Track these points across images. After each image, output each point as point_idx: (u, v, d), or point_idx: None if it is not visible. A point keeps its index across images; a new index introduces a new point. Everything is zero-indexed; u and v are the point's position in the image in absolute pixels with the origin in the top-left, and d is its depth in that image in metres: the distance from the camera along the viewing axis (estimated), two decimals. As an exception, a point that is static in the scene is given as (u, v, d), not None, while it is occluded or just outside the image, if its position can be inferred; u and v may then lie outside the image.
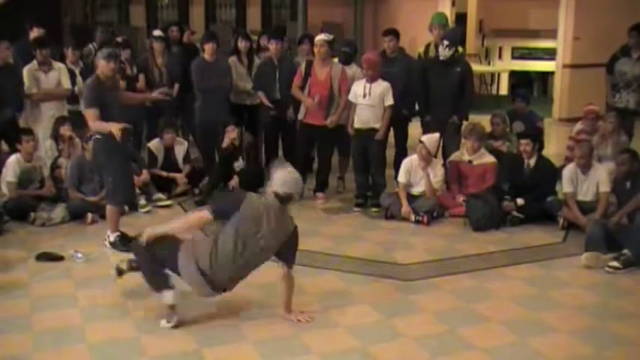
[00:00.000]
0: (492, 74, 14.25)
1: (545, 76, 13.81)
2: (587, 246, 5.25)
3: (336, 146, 7.05)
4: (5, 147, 6.88)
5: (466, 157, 6.52)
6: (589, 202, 5.90)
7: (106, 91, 5.20)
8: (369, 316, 4.29)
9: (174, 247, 3.99)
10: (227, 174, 6.92)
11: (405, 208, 6.17)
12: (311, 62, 6.72)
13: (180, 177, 7.01)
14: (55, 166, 6.49)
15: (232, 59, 7.47)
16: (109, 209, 5.48)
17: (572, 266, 5.15)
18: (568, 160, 6.68)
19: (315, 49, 6.65)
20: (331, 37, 6.73)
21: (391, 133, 6.88)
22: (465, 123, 6.78)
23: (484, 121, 6.95)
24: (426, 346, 3.90)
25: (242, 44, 7.49)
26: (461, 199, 6.36)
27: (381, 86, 6.32)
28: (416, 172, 6.32)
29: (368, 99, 6.32)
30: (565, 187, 5.99)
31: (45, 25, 7.60)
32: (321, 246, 5.52)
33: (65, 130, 6.52)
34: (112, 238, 5.41)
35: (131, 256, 4.34)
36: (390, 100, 6.34)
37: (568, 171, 5.99)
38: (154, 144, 7.07)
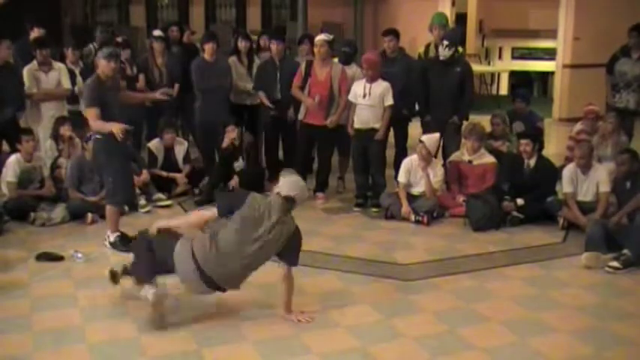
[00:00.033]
0: (492, 74, 14.26)
1: (545, 76, 13.82)
2: (587, 246, 5.25)
3: (336, 146, 7.05)
4: (6, 147, 6.87)
5: (466, 157, 6.52)
6: (589, 202, 5.90)
7: (106, 91, 5.20)
8: (369, 316, 4.29)
9: (172, 239, 4.08)
10: (227, 174, 6.92)
11: (405, 208, 6.17)
12: (311, 62, 6.72)
13: (180, 177, 7.01)
14: (55, 166, 6.49)
15: (232, 59, 7.47)
16: (109, 209, 5.48)
17: (572, 266, 5.15)
18: (568, 160, 6.68)
19: (315, 49, 6.65)
20: (331, 37, 6.74)
21: (391, 133, 6.89)
22: (465, 123, 6.78)
23: (484, 121, 6.95)
24: (426, 346, 3.90)
25: (242, 44, 7.49)
26: (461, 199, 6.37)
27: (381, 86, 6.32)
28: (416, 172, 6.33)
29: (368, 99, 6.32)
30: (565, 187, 5.99)
31: (45, 25, 7.61)
32: (321, 246, 5.52)
33: (65, 130, 6.51)
34: (112, 238, 5.41)
35: (128, 260, 4.34)
36: (389, 100, 6.34)
37: (568, 171, 5.99)
38: (154, 144, 7.08)
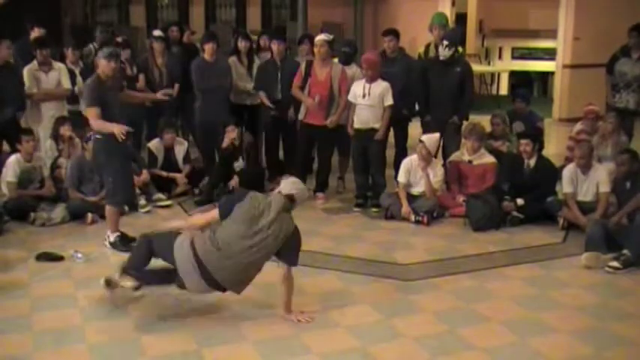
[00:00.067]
0: (492, 74, 14.26)
1: (545, 77, 13.82)
2: (587, 246, 5.26)
3: (336, 146, 7.05)
4: (7, 147, 6.86)
5: (466, 157, 6.52)
6: (589, 202, 5.90)
7: (106, 91, 5.21)
8: (369, 316, 4.29)
9: (172, 235, 4.12)
10: (227, 174, 6.92)
11: (405, 208, 6.17)
12: (311, 62, 6.72)
13: (180, 177, 7.01)
14: (55, 166, 6.48)
15: (232, 59, 7.47)
16: (109, 209, 5.48)
17: (572, 266, 5.15)
18: (568, 160, 6.68)
19: (315, 49, 6.65)
20: (331, 37, 6.74)
21: (391, 133, 6.89)
22: (465, 123, 6.78)
23: (484, 121, 6.95)
24: (426, 346, 3.90)
25: (242, 44, 7.49)
26: (461, 199, 6.37)
27: (381, 86, 6.32)
28: (416, 172, 6.32)
29: (367, 99, 6.32)
30: (565, 187, 5.99)
31: (45, 25, 7.61)
32: (321, 246, 5.52)
33: (65, 130, 6.51)
34: (112, 239, 5.41)
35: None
36: (389, 100, 6.34)
37: (568, 171, 5.99)
38: (154, 144, 7.08)
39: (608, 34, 9.40)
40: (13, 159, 6.22)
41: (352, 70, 6.88)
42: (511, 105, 7.63)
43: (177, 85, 7.49)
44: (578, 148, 6.05)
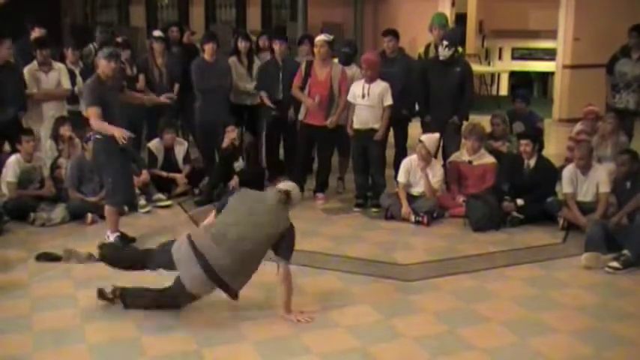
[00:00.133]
0: (492, 75, 14.26)
1: (545, 77, 13.81)
2: (587, 246, 5.26)
3: (336, 146, 7.05)
4: (8, 147, 6.86)
5: (466, 158, 6.52)
6: (589, 202, 5.90)
7: (106, 91, 5.21)
8: (369, 316, 4.29)
9: (169, 243, 4.22)
10: (227, 174, 6.92)
11: (405, 208, 6.17)
12: (311, 63, 6.72)
13: (180, 177, 7.01)
14: (55, 166, 6.48)
15: (232, 59, 7.47)
16: (108, 210, 5.48)
17: (572, 267, 5.15)
18: (568, 160, 6.68)
19: (315, 50, 6.65)
20: (331, 37, 6.73)
21: (391, 133, 6.89)
22: (465, 123, 6.78)
23: (484, 121, 6.95)
24: (426, 346, 3.90)
25: (242, 44, 7.49)
26: (461, 199, 6.37)
27: (380, 86, 6.32)
28: (415, 172, 6.32)
29: (367, 99, 6.32)
30: (565, 187, 5.99)
31: (45, 25, 7.60)
32: (321, 246, 5.52)
33: (65, 131, 6.51)
34: (111, 239, 5.41)
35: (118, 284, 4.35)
36: (389, 100, 6.33)
37: (568, 171, 5.99)
38: (154, 144, 7.07)
39: (608, 34, 9.40)
40: (13, 159, 6.22)
41: (352, 70, 6.88)
42: (511, 105, 7.63)
43: (177, 86, 7.49)
44: (577, 149, 6.05)
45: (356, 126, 6.44)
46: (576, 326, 4.18)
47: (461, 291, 4.69)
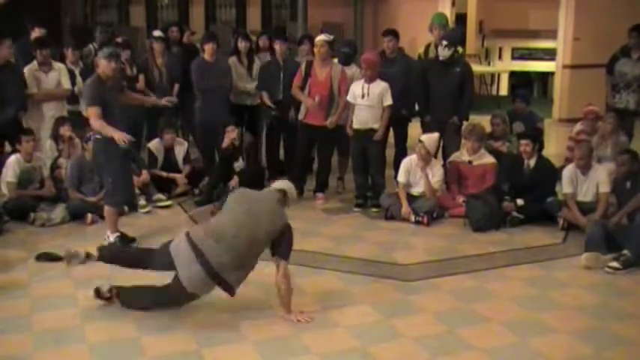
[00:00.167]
0: (492, 75, 14.26)
1: (545, 77, 13.82)
2: (587, 246, 5.26)
3: (336, 146, 7.05)
4: (8, 147, 6.86)
5: (466, 158, 6.52)
6: (589, 202, 5.90)
7: (106, 91, 5.21)
8: (369, 316, 4.29)
9: (167, 243, 4.22)
10: (227, 174, 6.92)
11: (405, 208, 6.17)
12: (311, 63, 6.72)
13: (180, 177, 7.01)
14: (55, 166, 6.48)
15: (232, 59, 7.47)
16: (107, 210, 5.48)
17: (572, 267, 5.15)
18: (568, 160, 6.68)
19: (316, 50, 6.65)
20: (331, 37, 6.74)
21: (391, 133, 6.89)
22: (465, 123, 6.78)
23: (484, 121, 6.95)
24: (426, 346, 3.90)
25: (242, 44, 7.49)
26: (461, 199, 6.36)
27: (380, 86, 6.32)
28: (415, 172, 6.33)
29: (366, 99, 6.32)
30: (565, 187, 5.99)
31: (45, 25, 7.59)
32: (321, 246, 5.52)
33: (65, 131, 6.51)
34: (111, 239, 5.41)
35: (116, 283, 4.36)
36: (388, 100, 6.33)
37: (568, 171, 5.99)
38: (154, 144, 7.07)
39: (608, 34, 9.40)
40: (13, 159, 6.22)
41: (352, 70, 6.88)
42: (511, 105, 7.63)
43: (177, 86, 7.50)
44: (577, 149, 6.05)
45: (355, 126, 6.44)
46: (576, 326, 4.18)
47: (461, 291, 4.69)
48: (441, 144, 6.80)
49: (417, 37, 9.89)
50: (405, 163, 6.42)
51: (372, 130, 6.38)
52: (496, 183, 6.36)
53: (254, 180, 6.74)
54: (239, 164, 7.07)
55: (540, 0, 12.89)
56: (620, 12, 10.03)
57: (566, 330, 4.12)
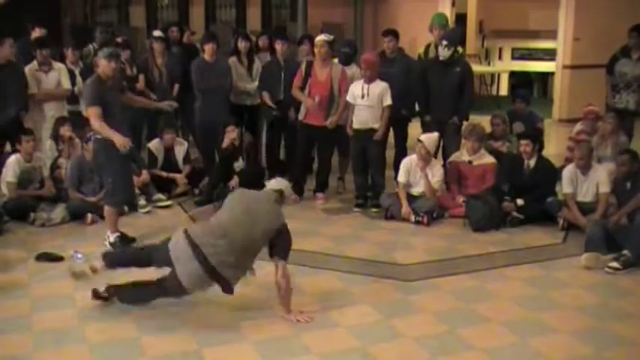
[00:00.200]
0: (492, 75, 14.26)
1: (545, 77, 13.83)
2: (587, 246, 5.26)
3: (336, 147, 7.05)
4: (8, 147, 6.86)
5: (466, 158, 6.52)
6: (589, 202, 5.90)
7: (107, 91, 5.21)
8: (369, 316, 4.29)
9: (165, 240, 4.24)
10: (227, 174, 6.92)
11: (405, 208, 6.17)
12: (311, 63, 6.72)
13: (180, 177, 7.01)
14: (55, 166, 6.48)
15: (232, 60, 7.47)
16: (107, 210, 5.48)
17: (572, 267, 5.15)
18: (568, 160, 6.68)
19: (316, 50, 6.65)
20: (331, 37, 6.74)
21: (391, 133, 6.89)
22: (465, 123, 6.78)
23: (484, 121, 6.95)
24: (426, 346, 3.90)
25: (242, 45, 7.49)
26: (461, 199, 6.36)
27: (380, 86, 6.32)
28: (415, 172, 6.32)
29: (366, 99, 6.32)
30: (565, 187, 5.99)
31: (45, 25, 7.60)
32: (321, 246, 5.52)
33: (65, 131, 6.51)
34: (111, 239, 5.41)
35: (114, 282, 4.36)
36: (388, 101, 6.33)
37: (568, 172, 5.99)
38: (154, 144, 7.07)
39: (608, 34, 9.40)
40: (13, 159, 6.22)
41: (352, 70, 6.88)
42: (511, 105, 7.63)
43: (177, 86, 7.50)
44: (577, 149, 6.05)
45: (355, 126, 6.44)
46: (576, 326, 4.18)
47: (461, 291, 4.69)
48: (441, 144, 6.80)
49: (417, 37, 9.89)
50: (405, 163, 6.42)
51: (372, 130, 6.38)
52: (496, 183, 6.36)
53: (254, 180, 6.73)
54: (239, 164, 7.07)
55: (540, 0, 12.89)
56: (620, 12, 10.04)
57: (566, 330, 4.12)
